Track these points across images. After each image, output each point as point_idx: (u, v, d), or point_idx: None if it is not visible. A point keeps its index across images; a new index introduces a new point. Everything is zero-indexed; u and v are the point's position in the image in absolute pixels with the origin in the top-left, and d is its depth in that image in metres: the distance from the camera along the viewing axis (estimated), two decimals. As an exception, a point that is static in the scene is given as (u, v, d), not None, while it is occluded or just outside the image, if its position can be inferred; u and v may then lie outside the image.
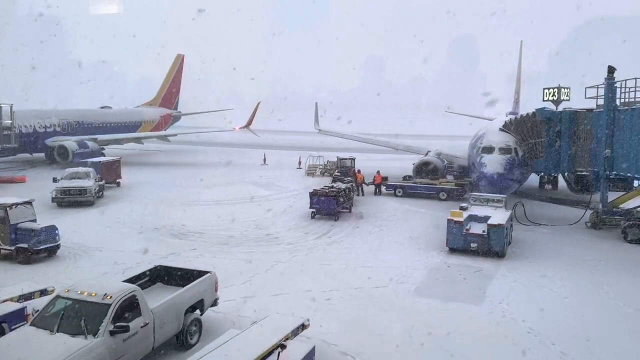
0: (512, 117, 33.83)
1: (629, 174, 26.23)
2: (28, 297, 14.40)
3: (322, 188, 30.62)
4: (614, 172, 26.91)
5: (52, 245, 21.38)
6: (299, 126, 75.08)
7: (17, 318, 13.27)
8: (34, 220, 21.73)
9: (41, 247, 20.88)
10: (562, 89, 31.59)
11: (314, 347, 12.44)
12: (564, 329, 15.27)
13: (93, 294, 11.77)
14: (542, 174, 37.18)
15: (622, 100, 26.93)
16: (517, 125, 30.59)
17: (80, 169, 34.45)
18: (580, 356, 13.65)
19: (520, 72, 53.89)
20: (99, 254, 22.31)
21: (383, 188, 37.69)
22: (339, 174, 40.22)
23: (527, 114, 31.15)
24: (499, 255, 22.06)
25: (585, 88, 29.05)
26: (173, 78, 75.02)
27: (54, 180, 32.49)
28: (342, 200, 30.03)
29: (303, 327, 13.09)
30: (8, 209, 20.81)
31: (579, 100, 30.61)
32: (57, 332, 11.07)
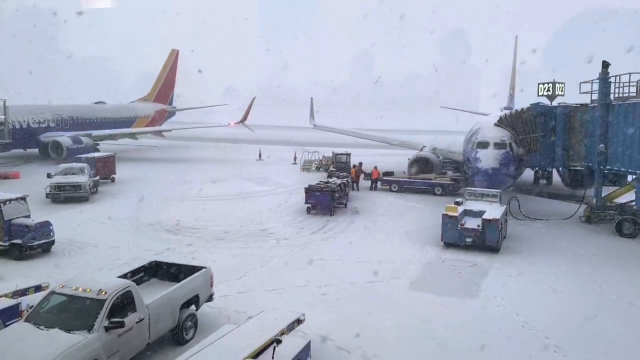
0: (507, 112, 33.89)
1: (622, 169, 26.36)
2: (22, 293, 14.36)
3: (318, 183, 30.63)
4: (608, 167, 27.03)
5: (46, 241, 21.29)
6: (295, 121, 74.98)
7: (11, 314, 13.23)
8: (28, 216, 21.62)
9: (35, 243, 20.79)
10: (557, 84, 31.67)
11: (310, 341, 12.46)
12: (558, 323, 15.36)
13: (88, 290, 11.74)
14: (537, 168, 37.31)
15: (616, 95, 27.02)
16: (512, 121, 30.63)
17: (75, 165, 34.30)
18: (574, 349, 13.73)
19: (515, 67, 53.98)
20: (93, 249, 22.24)
21: (378, 183, 37.79)
22: (334, 169, 40.24)
23: (522, 109, 31.21)
24: (494, 249, 22.14)
25: (580, 83, 29.13)
26: (167, 73, 74.71)
27: (48, 175, 32.32)
28: (337, 195, 30.04)
29: (298, 321, 13.13)
30: (2, 204, 20.67)
31: (573, 96, 30.69)
32: (52, 327, 11.05)
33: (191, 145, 70.59)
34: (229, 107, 72.18)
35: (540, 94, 32.25)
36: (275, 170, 47.07)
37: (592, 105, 28.30)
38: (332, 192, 29.30)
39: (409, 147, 45.69)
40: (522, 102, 39.34)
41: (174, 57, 74.79)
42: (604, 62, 26.90)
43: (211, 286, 15.26)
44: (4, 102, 45.54)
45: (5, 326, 12.53)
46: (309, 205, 29.57)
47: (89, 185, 32.74)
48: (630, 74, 26.15)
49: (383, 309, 16.42)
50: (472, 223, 22.50)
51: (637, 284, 18.94)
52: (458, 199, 25.40)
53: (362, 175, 38.51)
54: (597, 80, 27.23)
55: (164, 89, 74.68)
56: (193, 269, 15.09)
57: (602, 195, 27.79)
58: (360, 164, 39.35)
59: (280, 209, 31.00)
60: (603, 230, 26.28)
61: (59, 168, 33.34)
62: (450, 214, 22.67)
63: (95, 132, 54.60)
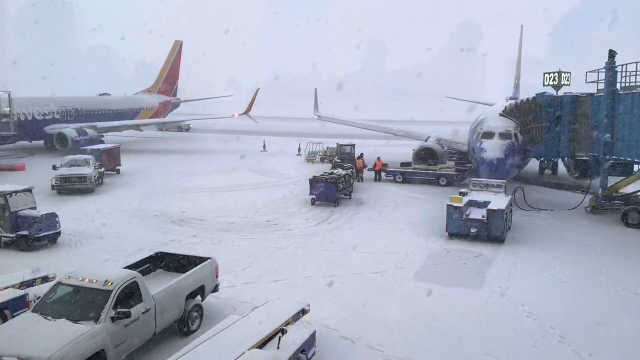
0: (512, 102, 33.69)
1: (629, 159, 26.22)
2: (29, 284, 14.50)
3: (322, 174, 30.62)
4: (614, 157, 26.89)
5: (52, 232, 21.41)
6: (299, 112, 74.89)
7: (18, 305, 13.37)
8: (34, 208, 21.73)
9: (42, 235, 20.92)
10: (563, 74, 31.42)
11: (315, 331, 12.52)
12: (563, 313, 15.36)
13: (94, 281, 11.82)
14: (542, 159, 37.17)
15: (623, 85, 26.81)
16: (517, 111, 30.48)
17: (80, 157, 34.41)
18: (579, 340, 13.72)
19: (520, 57, 53.62)
20: (99, 241, 22.36)
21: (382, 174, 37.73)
22: (338, 160, 40.17)
23: (527, 98, 31.03)
24: (499, 240, 22.11)
25: (586, 72, 28.93)
26: (171, 65, 74.58)
27: (54, 167, 32.47)
28: (341, 186, 30.03)
29: (303, 312, 13.16)
30: (8, 196, 20.79)
31: (579, 85, 30.48)
32: (59, 318, 11.14)
33: (195, 136, 70.65)
34: (233, 98, 72.20)
35: (545, 83, 32.03)
36: (280, 161, 47.03)
37: (598, 94, 28.09)
38: (336, 183, 29.29)
39: (413, 137, 45.57)
40: (528, 91, 39.16)
41: (177, 48, 74.60)
42: (610, 51, 26.67)
43: (217, 277, 15.34)
44: (9, 94, 45.65)
45: (13, 317, 12.66)
46: (314, 197, 29.58)
47: (94, 176, 32.85)
48: (637, 62, 25.93)
49: (388, 299, 16.46)
50: (477, 213, 22.43)
51: (642, 274, 18.90)
52: (463, 190, 25.35)
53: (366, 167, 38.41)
54: (604, 70, 27.01)
55: (168, 81, 74.62)
56: (198, 260, 15.16)
57: (608, 185, 27.66)
58: (362, 155, 39.24)
59: (285, 200, 31.02)
60: (609, 220, 26.18)
61: (64, 160, 33.45)
62: (455, 204, 22.62)
63: (99, 124, 54.66)
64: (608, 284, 17.83)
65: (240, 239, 22.86)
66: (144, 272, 14.42)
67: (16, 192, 21.29)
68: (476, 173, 29.95)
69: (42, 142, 52.15)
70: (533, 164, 38.35)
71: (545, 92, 31.01)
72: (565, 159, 33.30)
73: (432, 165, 37.79)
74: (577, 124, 29.25)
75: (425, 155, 38.95)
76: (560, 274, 18.69)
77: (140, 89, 74.10)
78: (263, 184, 36.11)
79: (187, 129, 76.94)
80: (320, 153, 48.88)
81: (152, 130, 66.95)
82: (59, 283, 12.22)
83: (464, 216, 22.31)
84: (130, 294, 12.00)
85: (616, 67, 26.56)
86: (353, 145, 43.83)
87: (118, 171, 39.46)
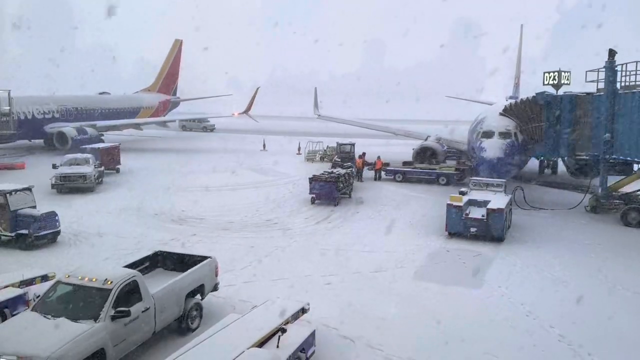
0: (512, 101, 33.65)
1: (629, 158, 26.21)
2: (29, 282, 14.49)
3: (322, 174, 30.61)
4: (614, 156, 26.88)
5: (52, 231, 21.39)
6: (299, 111, 74.85)
7: (18, 303, 13.38)
8: (34, 207, 21.71)
9: (42, 234, 20.90)
10: (563, 73, 31.38)
11: (314, 330, 12.52)
12: (563, 312, 15.36)
13: (94, 280, 11.82)
14: (542, 158, 37.15)
15: (623, 84, 26.80)
16: (517, 110, 30.46)
17: (80, 156, 34.38)
18: (578, 339, 13.73)
19: (520, 56, 53.61)
20: (99, 239, 22.35)
21: (382, 173, 37.72)
22: (338, 159, 40.17)
23: (527, 98, 31.01)
24: (498, 239, 22.11)
25: (586, 72, 28.89)
26: (171, 64, 74.52)
27: (54, 166, 32.46)
28: (341, 185, 30.02)
29: (303, 311, 13.18)
30: (8, 195, 20.76)
31: (579, 85, 30.47)
32: (58, 317, 11.14)
33: (195, 135, 70.64)
34: (233, 97, 72.26)
35: (545, 82, 31.99)
36: (279, 160, 46.89)
37: (598, 94, 28.07)
38: (336, 182, 29.28)
39: (413, 137, 45.58)
40: (528, 91, 39.13)
41: (177, 47, 74.53)
42: (610, 50, 26.66)
43: (216, 276, 15.36)
44: (9, 93, 45.61)
45: (13, 315, 12.66)
46: (314, 196, 29.58)
47: (94, 175, 32.81)
48: (637, 62, 25.93)
49: (387, 298, 16.46)
50: (476, 213, 22.45)
51: (642, 273, 18.90)
52: (463, 189, 25.35)
53: (366, 167, 38.40)
54: (604, 69, 27.00)
55: (168, 80, 74.55)
56: (198, 259, 15.17)
57: (608, 185, 27.66)
58: (364, 154, 39.24)
59: (285, 199, 31.01)
60: (608, 219, 26.20)
61: (64, 159, 33.45)
62: (455, 203, 22.62)
63: (99, 123, 54.63)
64: (608, 283, 17.85)
65: (240, 238, 22.85)
66: (144, 271, 14.43)
67: (16, 190, 21.26)
68: (476, 172, 29.95)
69: (42, 141, 52.12)
70: (533, 163, 38.34)
71: (545, 92, 30.97)
72: (565, 158, 33.28)
73: (434, 164, 37.82)
74: (576, 124, 29.23)
75: (426, 154, 38.95)
76: (560, 273, 18.70)
77: (140, 87, 74.05)
78: (263, 183, 36.09)
79: (212, 129, 76.90)
80: (320, 152, 48.86)
81: (153, 129, 66.89)
82: (59, 282, 12.23)
83: (463, 215, 22.32)
84: (130, 293, 12.00)
85: (616, 66, 26.55)
86: (353, 145, 43.82)
87: (118, 170, 39.42)
